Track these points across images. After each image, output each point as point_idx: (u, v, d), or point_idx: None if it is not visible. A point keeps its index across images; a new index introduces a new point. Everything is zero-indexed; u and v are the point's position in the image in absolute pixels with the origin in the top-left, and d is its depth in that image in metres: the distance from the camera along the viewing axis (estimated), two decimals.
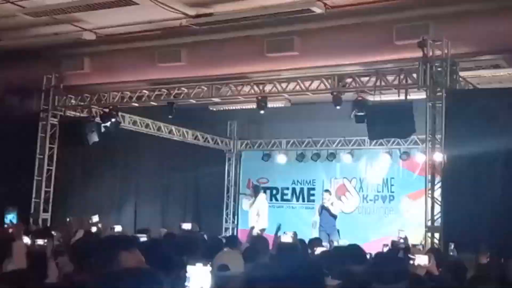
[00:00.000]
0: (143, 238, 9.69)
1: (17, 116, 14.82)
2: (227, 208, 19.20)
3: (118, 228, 11.49)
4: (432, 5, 10.81)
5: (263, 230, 14.78)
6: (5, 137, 13.92)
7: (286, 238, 10.39)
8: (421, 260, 6.37)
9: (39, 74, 14.39)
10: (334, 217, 15.10)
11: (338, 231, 14.79)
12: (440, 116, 10.64)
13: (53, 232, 9.97)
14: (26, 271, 5.25)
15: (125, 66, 13.73)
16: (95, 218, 13.20)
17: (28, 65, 14.58)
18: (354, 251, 6.42)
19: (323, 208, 15.29)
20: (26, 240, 8.23)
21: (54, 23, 12.60)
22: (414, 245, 10.73)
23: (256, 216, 15.82)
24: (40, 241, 8.56)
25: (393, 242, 10.13)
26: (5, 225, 10.80)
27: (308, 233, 13.54)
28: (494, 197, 9.87)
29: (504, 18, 10.64)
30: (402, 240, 12.23)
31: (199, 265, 4.01)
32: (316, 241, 10.03)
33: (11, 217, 11.63)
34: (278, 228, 11.47)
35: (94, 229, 12.15)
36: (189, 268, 4.00)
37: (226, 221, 19.09)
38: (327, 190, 16.27)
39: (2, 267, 5.66)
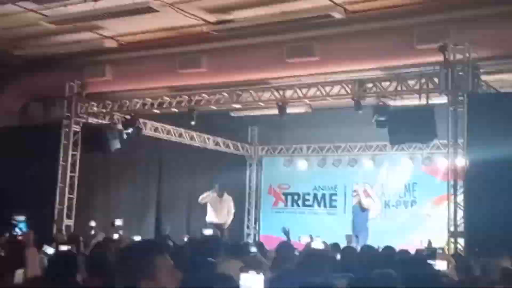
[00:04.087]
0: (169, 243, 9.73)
1: (40, 124, 14.97)
2: (248, 214, 19.22)
3: (137, 239, 11.47)
4: (453, 9, 10.74)
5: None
6: (29, 144, 14.06)
7: (317, 244, 10.36)
8: (440, 265, 6.33)
9: (61, 81, 14.53)
10: (366, 211, 15.13)
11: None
12: (462, 121, 10.56)
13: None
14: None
15: (146, 73, 13.81)
16: (118, 222, 13.23)
17: (51, 73, 14.73)
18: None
19: (354, 207, 15.58)
20: (50, 250, 8.27)
21: (76, 31, 12.72)
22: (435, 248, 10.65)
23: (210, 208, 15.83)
24: (64, 248, 8.63)
25: (417, 251, 10.03)
26: (15, 233, 10.84)
27: (330, 238, 13.44)
28: None
29: None
30: (425, 246, 12.14)
31: (252, 273, 3.99)
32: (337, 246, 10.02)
33: (21, 226, 11.69)
34: (286, 233, 10.98)
35: (115, 236, 12.20)
36: (243, 276, 3.99)
37: (248, 227, 19.10)
38: (354, 191, 16.35)
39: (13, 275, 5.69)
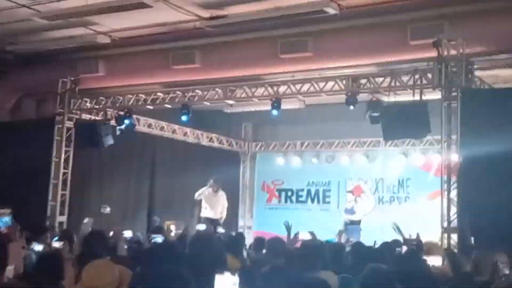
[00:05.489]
0: (158, 238, 9.70)
1: (33, 120, 14.91)
2: (242, 210, 19.19)
3: (128, 234, 11.44)
4: (447, 4, 10.75)
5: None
6: (22, 140, 14.01)
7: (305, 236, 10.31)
8: (435, 260, 6.32)
9: (54, 77, 14.46)
10: (357, 223, 15.23)
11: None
12: (455, 116, 10.57)
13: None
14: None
15: (139, 69, 13.78)
16: (106, 209, 13.18)
17: (44, 69, 14.69)
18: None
19: (346, 210, 15.74)
20: (39, 247, 8.21)
21: (69, 27, 12.68)
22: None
23: (205, 204, 15.82)
24: (56, 244, 8.60)
25: (405, 240, 10.05)
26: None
27: (323, 235, 13.46)
28: (510, 197, 9.77)
29: None
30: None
31: (227, 274, 3.97)
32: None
33: (6, 220, 11.63)
34: (288, 227, 10.87)
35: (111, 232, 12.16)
36: (218, 277, 3.97)
37: (241, 223, 19.07)
38: (349, 191, 16.34)
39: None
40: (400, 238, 9.81)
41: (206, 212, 15.60)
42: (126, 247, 8.98)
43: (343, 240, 13.39)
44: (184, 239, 8.44)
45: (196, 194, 15.76)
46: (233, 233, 12.97)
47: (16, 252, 5.78)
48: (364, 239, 13.66)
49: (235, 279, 3.93)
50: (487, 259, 7.11)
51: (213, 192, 15.74)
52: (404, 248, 9.60)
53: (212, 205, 15.67)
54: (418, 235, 12.16)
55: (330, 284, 3.97)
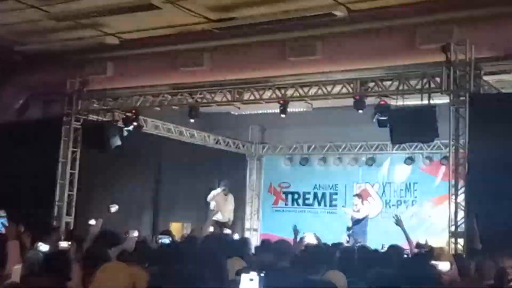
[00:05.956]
0: (165, 239, 9.72)
1: (40, 120, 14.94)
2: (249, 213, 19.18)
3: (134, 234, 11.44)
4: (456, 8, 10.72)
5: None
6: (28, 140, 14.05)
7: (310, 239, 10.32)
8: (443, 266, 6.30)
9: (62, 78, 14.50)
10: (358, 222, 15.15)
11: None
12: (463, 121, 10.55)
13: None
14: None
15: (147, 70, 13.79)
16: (113, 208, 13.19)
17: (52, 70, 14.71)
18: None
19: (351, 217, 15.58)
20: (45, 247, 8.21)
21: (77, 28, 12.71)
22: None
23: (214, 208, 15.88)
24: (63, 244, 8.60)
25: (418, 244, 10.05)
26: None
27: (330, 238, 13.44)
28: None
29: None
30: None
31: (253, 274, 3.98)
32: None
33: (2, 221, 11.67)
34: (295, 230, 10.89)
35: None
36: (243, 276, 3.98)
37: (248, 226, 19.06)
38: (356, 195, 16.30)
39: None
40: (403, 237, 9.77)
41: (216, 215, 15.65)
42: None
43: (350, 242, 13.39)
44: (193, 241, 8.45)
45: (210, 196, 15.83)
46: (238, 236, 13.02)
47: (13, 251, 5.82)
48: (371, 242, 13.64)
49: (259, 278, 3.94)
50: (491, 264, 7.10)
51: (223, 196, 15.82)
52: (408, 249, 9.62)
53: (221, 208, 15.72)
54: (426, 241, 12.15)
55: (338, 285, 3.95)
